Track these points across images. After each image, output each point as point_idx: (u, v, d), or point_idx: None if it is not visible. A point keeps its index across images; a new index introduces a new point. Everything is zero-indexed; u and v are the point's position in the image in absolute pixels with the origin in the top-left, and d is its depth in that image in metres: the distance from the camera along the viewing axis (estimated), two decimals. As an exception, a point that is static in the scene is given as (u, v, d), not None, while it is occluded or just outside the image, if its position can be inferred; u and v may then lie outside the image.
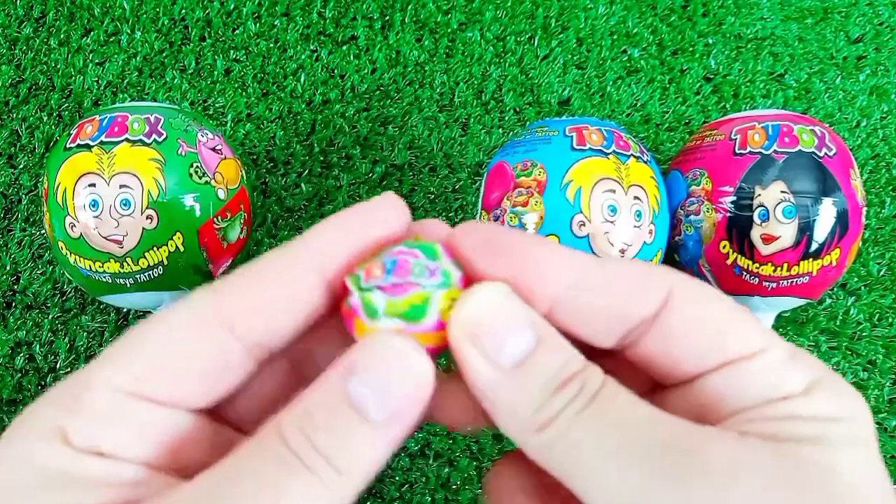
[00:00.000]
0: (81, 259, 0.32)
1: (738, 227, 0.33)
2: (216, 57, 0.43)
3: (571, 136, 0.33)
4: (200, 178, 0.33)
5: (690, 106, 0.44)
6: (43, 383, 0.38)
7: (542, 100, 0.44)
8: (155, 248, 0.32)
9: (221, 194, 0.33)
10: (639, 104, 0.44)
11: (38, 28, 0.43)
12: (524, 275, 0.17)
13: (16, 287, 0.39)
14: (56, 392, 0.16)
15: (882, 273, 0.41)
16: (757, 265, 0.33)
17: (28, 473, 0.15)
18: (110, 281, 0.32)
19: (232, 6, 0.44)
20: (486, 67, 0.44)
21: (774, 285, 0.33)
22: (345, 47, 0.44)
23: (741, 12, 0.46)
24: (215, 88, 0.43)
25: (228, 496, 0.14)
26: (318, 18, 0.44)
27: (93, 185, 0.31)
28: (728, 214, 0.33)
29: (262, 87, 0.43)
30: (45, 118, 0.42)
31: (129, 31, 0.44)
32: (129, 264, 0.32)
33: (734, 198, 0.33)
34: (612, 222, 0.32)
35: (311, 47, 0.44)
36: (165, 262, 0.32)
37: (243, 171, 0.36)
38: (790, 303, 0.35)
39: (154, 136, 0.32)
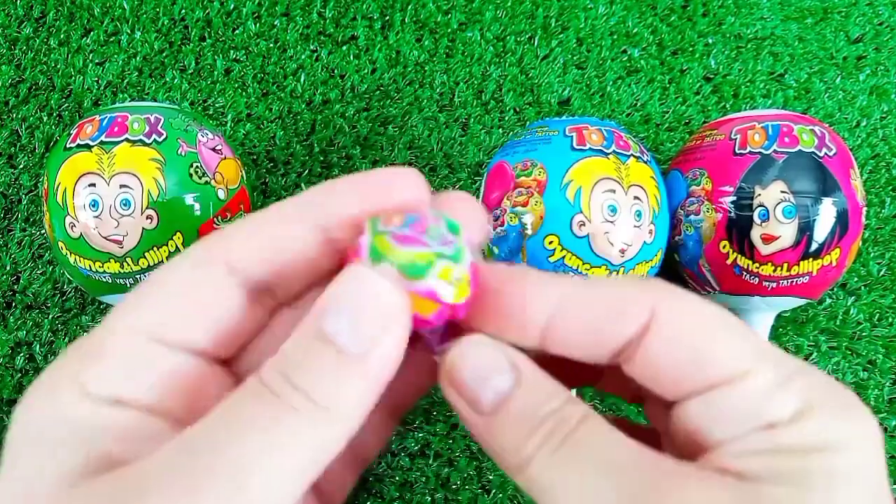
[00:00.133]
0: (81, 259, 0.32)
1: (738, 227, 0.33)
2: (216, 57, 0.43)
3: (571, 136, 0.33)
4: (200, 178, 0.33)
5: (690, 106, 0.44)
6: (43, 383, 0.38)
7: (542, 100, 0.44)
8: (155, 249, 0.32)
9: (221, 194, 0.33)
10: (639, 104, 0.44)
11: (38, 28, 0.43)
12: (508, 313, 0.17)
13: (16, 287, 0.39)
14: (77, 344, 0.16)
15: (882, 273, 0.41)
16: (757, 265, 0.33)
17: (48, 428, 0.15)
18: (110, 281, 0.32)
19: (232, 6, 0.44)
20: (486, 67, 0.44)
21: (774, 285, 0.33)
22: (345, 47, 0.44)
23: (741, 12, 0.46)
24: (215, 88, 0.43)
25: (216, 443, 0.14)
26: (318, 18, 0.44)
27: (93, 185, 0.31)
28: (728, 214, 0.33)
29: (262, 87, 0.43)
30: (45, 118, 0.42)
31: (129, 31, 0.44)
32: (129, 264, 0.32)
33: (734, 198, 0.33)
34: (612, 222, 0.32)
35: (311, 47, 0.44)
36: (166, 262, 0.32)
37: (243, 171, 0.36)
38: (790, 303, 0.35)
39: (154, 136, 0.32)
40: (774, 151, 0.33)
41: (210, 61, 0.43)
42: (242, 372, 0.18)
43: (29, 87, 0.42)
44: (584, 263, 0.32)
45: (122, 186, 0.31)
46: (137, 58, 0.43)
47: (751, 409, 0.15)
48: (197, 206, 0.32)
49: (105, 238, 0.31)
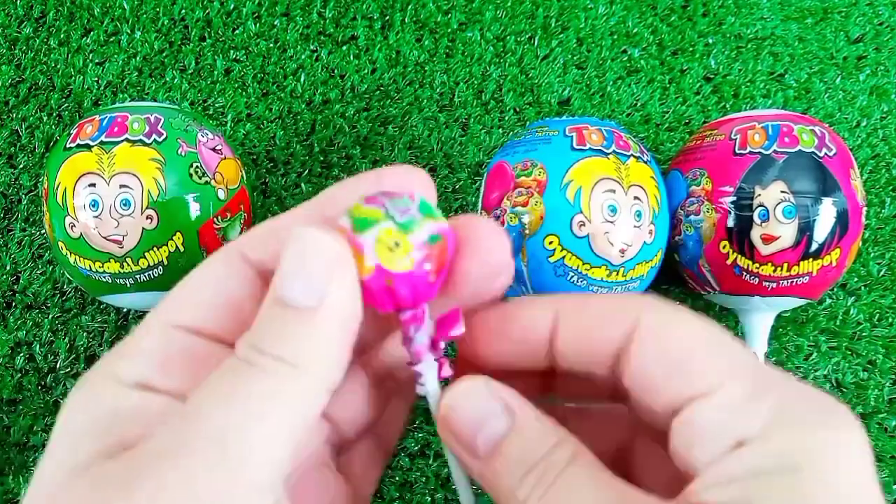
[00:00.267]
0: (81, 259, 0.32)
1: (738, 227, 0.33)
2: (216, 57, 0.43)
3: (571, 136, 0.33)
4: (200, 178, 0.33)
5: (690, 106, 0.44)
6: (43, 383, 0.38)
7: (542, 100, 0.44)
8: (155, 249, 0.32)
9: (221, 194, 0.33)
10: (639, 104, 0.44)
11: (38, 28, 0.43)
12: (516, 335, 0.18)
13: (16, 287, 0.39)
14: (119, 342, 0.17)
15: (882, 273, 0.41)
16: (757, 265, 0.33)
17: (78, 417, 0.16)
18: (110, 281, 0.32)
19: (232, 6, 0.44)
20: (486, 67, 0.44)
21: (774, 285, 0.33)
22: (345, 47, 0.44)
23: (741, 12, 0.46)
24: (215, 88, 0.43)
25: (199, 417, 0.15)
26: (318, 18, 0.44)
27: (93, 185, 0.31)
28: (728, 214, 0.33)
29: (262, 87, 0.43)
30: (45, 118, 0.42)
31: (129, 31, 0.44)
32: (129, 264, 0.32)
33: (734, 198, 0.33)
34: (612, 222, 0.32)
35: (311, 47, 0.44)
36: (165, 262, 0.32)
37: (243, 171, 0.36)
38: (790, 303, 0.35)
39: (154, 136, 0.32)
40: (774, 151, 0.33)
41: (210, 61, 0.43)
42: None
43: (29, 87, 0.42)
44: (584, 263, 0.32)
45: (122, 186, 0.31)
46: (137, 58, 0.43)
47: (722, 425, 0.15)
48: (197, 206, 0.32)
49: (105, 238, 0.31)
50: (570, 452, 0.17)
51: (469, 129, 0.43)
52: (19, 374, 0.38)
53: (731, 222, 0.33)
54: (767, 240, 0.33)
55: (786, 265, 0.33)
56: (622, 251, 0.32)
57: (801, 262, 0.33)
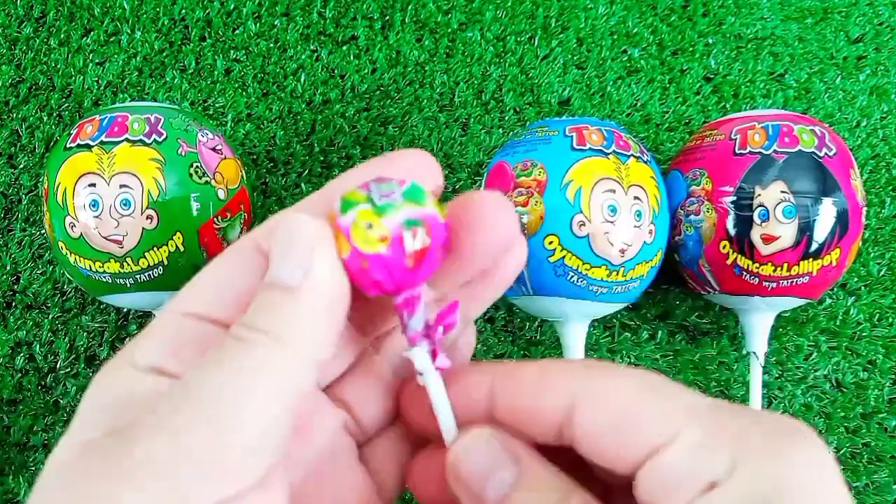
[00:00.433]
0: (81, 259, 0.32)
1: (738, 227, 0.33)
2: (216, 57, 0.43)
3: (571, 136, 0.33)
4: (200, 178, 0.33)
5: (690, 106, 0.44)
6: (43, 383, 0.38)
7: (542, 100, 0.44)
8: (155, 248, 0.32)
9: (221, 194, 0.33)
10: (639, 104, 0.44)
11: (38, 28, 0.43)
12: (507, 412, 0.18)
13: (16, 287, 0.39)
14: (140, 332, 0.18)
15: (882, 273, 0.41)
16: (757, 265, 0.33)
17: (95, 400, 0.17)
18: (110, 281, 0.32)
19: (232, 6, 0.44)
20: (486, 67, 0.44)
21: (774, 285, 0.33)
22: (345, 47, 0.44)
23: (741, 12, 0.46)
24: (215, 88, 0.43)
25: (191, 391, 0.15)
26: (318, 18, 0.44)
27: (93, 185, 0.31)
28: (728, 214, 0.33)
29: (262, 87, 0.43)
30: (45, 118, 0.42)
31: (129, 31, 0.44)
32: (129, 264, 0.32)
33: (734, 198, 0.33)
34: (612, 222, 0.32)
35: (311, 47, 0.44)
36: (165, 262, 0.32)
37: (243, 171, 0.36)
38: (790, 303, 0.35)
39: (154, 136, 0.32)
40: (774, 151, 0.33)
41: (210, 61, 0.43)
42: None
43: (29, 87, 0.42)
44: (584, 263, 0.32)
45: (122, 186, 0.31)
46: (137, 58, 0.43)
47: (689, 470, 0.15)
48: (197, 205, 0.32)
49: (105, 238, 0.31)
50: (580, 502, 0.17)
51: (469, 129, 0.43)
52: (19, 374, 0.38)
53: (730, 222, 0.33)
54: (767, 240, 0.33)
55: (786, 265, 0.33)
56: (622, 251, 0.32)
57: (801, 262, 0.33)
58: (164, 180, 0.32)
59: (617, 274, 0.32)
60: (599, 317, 0.35)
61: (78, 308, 0.39)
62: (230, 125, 0.42)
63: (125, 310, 0.39)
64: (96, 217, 0.31)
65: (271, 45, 0.44)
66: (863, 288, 0.41)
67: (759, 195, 0.33)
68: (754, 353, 0.36)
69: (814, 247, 0.32)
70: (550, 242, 0.32)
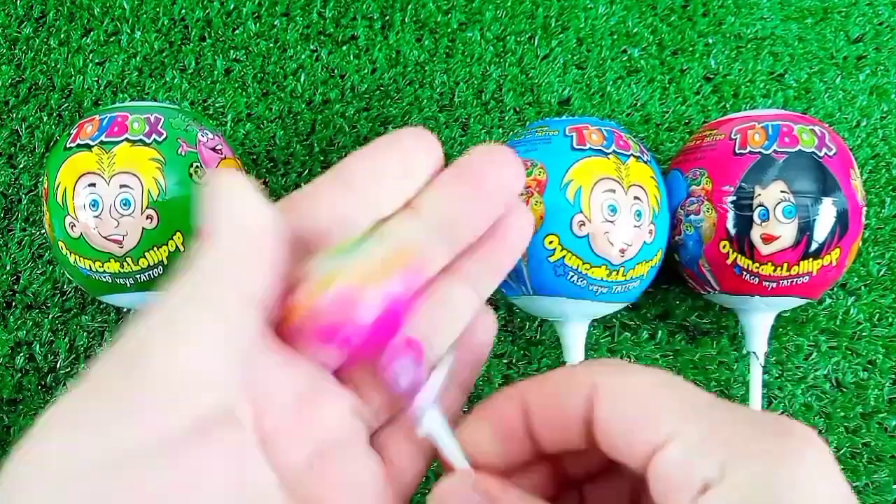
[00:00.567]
0: (81, 259, 0.32)
1: (738, 227, 0.33)
2: (216, 57, 0.43)
3: (571, 136, 0.33)
4: (200, 178, 0.33)
5: (690, 106, 0.44)
6: (43, 383, 0.38)
7: (542, 100, 0.44)
8: (155, 248, 0.32)
9: (221, 194, 0.33)
10: (639, 104, 0.44)
11: (38, 28, 0.43)
12: (500, 440, 0.19)
13: (16, 287, 0.39)
14: None
15: (882, 273, 0.41)
16: (757, 265, 0.33)
17: None
18: (110, 281, 0.32)
19: (232, 6, 0.44)
20: (486, 67, 0.44)
21: (774, 285, 0.33)
22: (345, 47, 0.44)
23: (741, 12, 0.46)
24: (215, 88, 0.43)
25: (134, 329, 0.17)
26: (318, 18, 0.44)
27: (93, 184, 0.31)
28: (728, 214, 0.33)
29: (262, 87, 0.43)
30: (45, 118, 0.42)
31: (129, 31, 0.44)
32: (129, 264, 0.32)
33: (734, 198, 0.33)
34: (612, 222, 0.32)
35: (311, 47, 0.44)
36: (165, 262, 0.32)
37: (243, 171, 0.36)
38: (790, 303, 0.35)
39: (154, 135, 0.32)
40: (774, 151, 0.33)
41: (210, 61, 0.43)
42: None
43: (29, 87, 0.42)
44: (584, 263, 0.32)
45: (122, 186, 0.31)
46: (137, 58, 0.43)
47: (684, 472, 0.16)
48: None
49: (105, 238, 0.31)
50: None
51: (469, 129, 0.43)
52: (19, 374, 0.38)
53: (730, 222, 0.33)
54: (767, 239, 0.33)
55: (786, 265, 0.33)
56: (622, 251, 0.32)
57: (801, 262, 0.33)
58: (164, 180, 0.32)
59: (617, 274, 0.32)
60: (599, 317, 0.35)
61: (78, 308, 0.39)
62: (230, 125, 0.42)
63: (125, 310, 0.39)
64: (96, 217, 0.31)
65: (271, 45, 0.44)
66: (863, 288, 0.41)
67: (759, 195, 0.33)
68: (754, 353, 0.36)
69: (814, 247, 0.32)
70: (550, 242, 0.32)
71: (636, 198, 0.32)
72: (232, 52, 0.44)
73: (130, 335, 0.16)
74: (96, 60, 0.43)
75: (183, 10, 0.44)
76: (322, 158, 0.42)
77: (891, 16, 0.47)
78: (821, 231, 0.32)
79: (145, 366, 0.16)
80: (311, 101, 0.43)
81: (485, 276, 0.22)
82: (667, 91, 0.44)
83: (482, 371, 0.32)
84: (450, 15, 0.45)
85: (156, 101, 0.42)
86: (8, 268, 0.39)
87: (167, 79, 0.43)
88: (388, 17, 0.45)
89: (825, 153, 0.33)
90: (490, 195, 0.21)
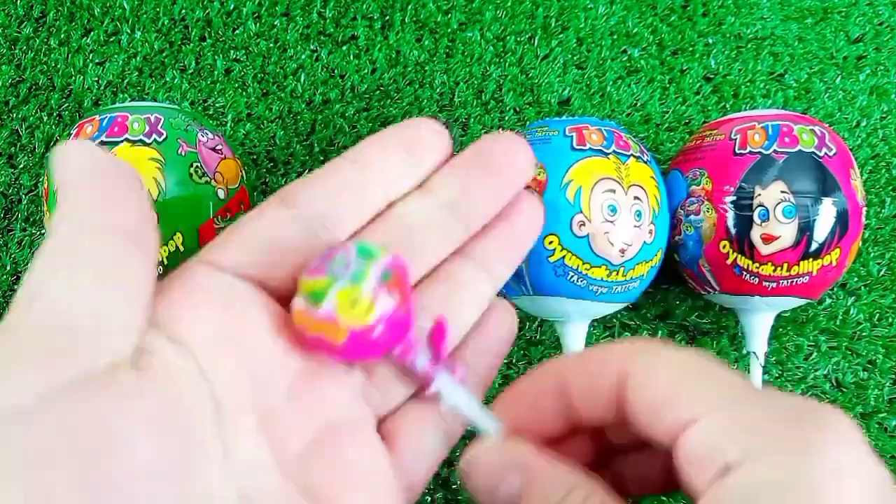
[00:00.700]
0: (81, 259, 0.32)
1: (738, 227, 0.33)
2: (216, 57, 0.43)
3: (571, 136, 0.33)
4: (200, 177, 0.33)
5: (690, 106, 0.44)
6: (43, 383, 0.38)
7: (542, 100, 0.44)
8: (155, 248, 0.32)
9: (221, 194, 0.33)
10: (639, 104, 0.44)
11: (38, 28, 0.43)
12: (530, 403, 0.20)
13: (16, 287, 0.39)
14: None
15: (882, 273, 0.41)
16: (757, 265, 0.33)
17: None
18: (110, 281, 0.32)
19: (232, 6, 0.44)
20: (486, 67, 0.44)
21: (774, 285, 0.33)
22: (345, 47, 0.44)
23: (741, 12, 0.46)
24: (215, 88, 0.43)
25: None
26: (318, 18, 0.44)
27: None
28: (728, 214, 0.33)
29: (262, 87, 0.43)
30: (45, 118, 0.42)
31: (129, 31, 0.44)
32: (129, 264, 0.32)
33: (734, 198, 0.33)
34: (612, 222, 0.32)
35: (311, 47, 0.44)
36: (165, 262, 0.32)
37: (243, 171, 0.36)
38: (790, 303, 0.35)
39: (154, 135, 0.32)
40: (774, 151, 0.33)
41: (210, 61, 0.43)
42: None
43: (29, 87, 0.42)
44: (584, 263, 0.32)
45: (122, 186, 0.31)
46: (137, 58, 0.43)
47: (708, 452, 0.16)
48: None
49: (105, 238, 0.31)
50: (581, 496, 0.17)
51: (469, 129, 0.43)
52: (19, 374, 0.38)
53: (730, 222, 0.33)
54: (767, 239, 0.33)
55: (786, 265, 0.33)
56: (622, 251, 0.32)
57: (801, 262, 0.33)
58: (164, 180, 0.32)
59: (617, 274, 0.32)
60: (599, 317, 0.35)
61: (78, 308, 0.39)
62: (230, 125, 0.42)
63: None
64: (96, 217, 0.31)
65: (271, 45, 0.44)
66: (863, 288, 0.41)
67: (759, 195, 0.33)
68: (754, 353, 0.36)
69: (814, 247, 0.32)
70: (550, 242, 0.32)
71: (636, 198, 0.32)
72: (232, 52, 0.44)
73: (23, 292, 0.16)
74: (96, 60, 0.43)
75: (183, 10, 0.44)
76: (322, 158, 0.42)
77: (891, 16, 0.47)
78: (821, 231, 0.32)
79: (36, 311, 0.16)
80: (311, 101, 0.43)
81: (498, 260, 0.22)
82: (667, 91, 0.44)
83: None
84: (450, 15, 0.45)
85: (156, 101, 0.42)
86: (8, 268, 0.39)
87: (167, 79, 0.43)
88: (388, 17, 0.45)
89: (825, 153, 0.33)
90: (501, 176, 0.22)
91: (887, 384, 0.39)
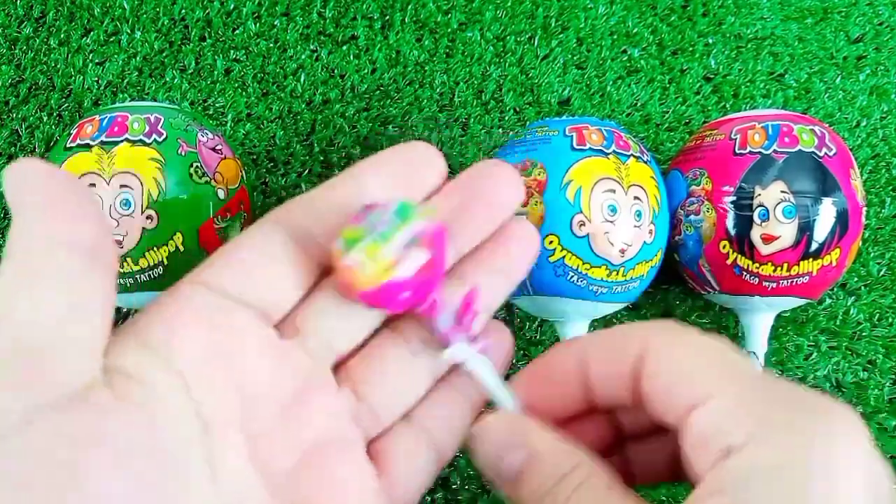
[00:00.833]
0: (81, 259, 0.32)
1: (738, 227, 0.33)
2: (216, 57, 0.43)
3: (571, 136, 0.33)
4: (200, 177, 0.33)
5: (690, 106, 0.44)
6: (43, 383, 0.38)
7: (542, 100, 0.44)
8: (155, 248, 0.32)
9: (221, 194, 0.33)
10: (639, 104, 0.44)
11: (38, 28, 0.43)
12: (553, 379, 0.20)
13: (16, 287, 0.39)
14: None
15: (882, 273, 0.41)
16: (757, 265, 0.33)
17: None
18: (110, 281, 0.32)
19: (232, 6, 0.44)
20: (486, 67, 0.44)
21: (774, 285, 0.33)
22: (345, 47, 0.44)
23: (741, 12, 0.46)
24: (215, 88, 0.43)
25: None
26: (318, 18, 0.44)
27: (93, 185, 0.31)
28: (728, 214, 0.33)
29: (262, 87, 0.43)
30: (45, 118, 0.42)
31: (129, 31, 0.44)
32: (129, 264, 0.32)
33: (734, 198, 0.33)
34: (612, 222, 0.32)
35: (311, 47, 0.44)
36: (165, 262, 0.32)
37: (243, 171, 0.36)
38: (790, 303, 0.35)
39: (154, 135, 0.32)
40: (774, 151, 0.33)
41: (210, 61, 0.43)
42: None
43: (29, 87, 0.42)
44: (583, 263, 0.32)
45: (122, 186, 0.31)
46: (137, 58, 0.43)
47: (712, 433, 0.16)
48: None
49: (105, 238, 0.31)
50: (584, 474, 0.18)
51: (469, 129, 0.43)
52: (19, 374, 0.38)
53: (731, 222, 0.33)
54: (767, 240, 0.33)
55: (786, 265, 0.33)
56: (622, 251, 0.32)
57: (801, 262, 0.33)
58: (164, 180, 0.32)
59: (617, 274, 0.32)
60: (599, 317, 0.35)
61: (78, 308, 0.39)
62: (230, 125, 0.42)
63: (125, 310, 0.39)
64: (96, 217, 0.31)
65: (271, 45, 0.44)
66: (863, 288, 0.41)
67: (759, 195, 0.33)
68: (754, 353, 0.36)
69: (814, 247, 0.32)
70: (550, 242, 0.32)
71: (636, 198, 0.32)
72: (232, 52, 0.44)
73: None
74: (96, 60, 0.43)
75: (183, 10, 0.44)
76: (322, 158, 0.42)
77: (891, 16, 0.47)
78: (821, 231, 0.32)
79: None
80: (311, 101, 0.43)
81: (490, 282, 0.22)
82: (667, 91, 0.44)
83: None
84: (450, 15, 0.45)
85: (156, 101, 0.42)
86: (8, 268, 0.39)
87: (167, 79, 0.43)
88: (388, 17, 0.45)
89: (825, 153, 0.33)
90: (488, 202, 0.22)
91: (887, 384, 0.39)
